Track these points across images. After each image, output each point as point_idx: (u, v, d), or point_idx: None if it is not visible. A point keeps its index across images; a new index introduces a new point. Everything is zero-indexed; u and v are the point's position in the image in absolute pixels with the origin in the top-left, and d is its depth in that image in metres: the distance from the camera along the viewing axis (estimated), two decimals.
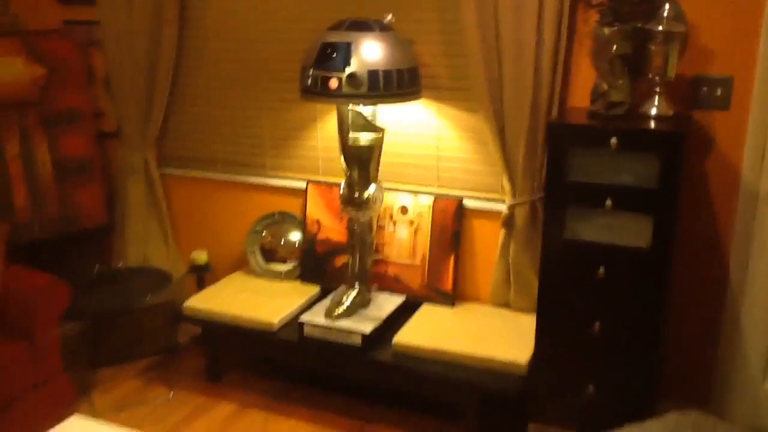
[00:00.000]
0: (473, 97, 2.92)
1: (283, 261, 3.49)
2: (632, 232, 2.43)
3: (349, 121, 2.83)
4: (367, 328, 2.90)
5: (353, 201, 2.93)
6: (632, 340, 2.50)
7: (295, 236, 3.46)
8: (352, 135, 2.84)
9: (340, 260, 3.30)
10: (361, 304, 3.05)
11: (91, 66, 3.59)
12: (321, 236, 3.33)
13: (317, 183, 3.33)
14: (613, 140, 2.37)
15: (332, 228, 3.30)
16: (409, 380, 2.86)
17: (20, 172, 3.29)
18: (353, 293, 3.03)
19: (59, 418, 2.45)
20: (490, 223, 3.07)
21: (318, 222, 3.33)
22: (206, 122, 3.55)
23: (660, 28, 2.44)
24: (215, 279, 3.56)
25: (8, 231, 2.72)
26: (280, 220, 3.47)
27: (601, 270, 2.48)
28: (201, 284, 3.53)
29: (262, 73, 3.36)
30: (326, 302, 3.11)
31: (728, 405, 2.83)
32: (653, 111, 2.53)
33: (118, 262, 3.61)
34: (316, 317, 2.99)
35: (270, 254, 3.50)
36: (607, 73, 2.53)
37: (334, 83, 2.65)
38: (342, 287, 3.21)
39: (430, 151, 3.12)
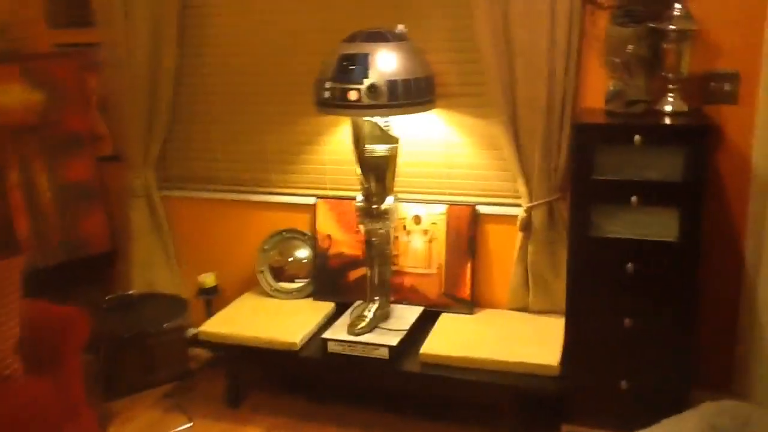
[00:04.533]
0: (485, 102, 2.97)
1: (292, 279, 3.44)
2: (659, 226, 2.49)
3: (365, 133, 2.84)
4: (393, 340, 2.88)
5: (371, 213, 2.92)
6: (665, 332, 2.55)
7: (303, 253, 3.42)
8: (368, 146, 2.84)
9: (355, 274, 3.28)
10: (382, 317, 3.03)
11: (86, 89, 3.51)
12: (333, 251, 3.30)
13: (326, 197, 3.31)
14: (637, 137, 2.42)
15: (344, 242, 3.28)
16: (439, 389, 2.85)
17: (21, 201, 3.20)
18: (374, 307, 3.01)
19: None
20: (504, 227, 3.09)
21: (329, 237, 3.30)
22: (207, 140, 3.50)
23: (672, 27, 2.51)
24: (223, 301, 3.50)
25: (22, 265, 2.62)
26: (288, 237, 3.43)
27: (630, 266, 2.52)
28: (209, 307, 3.46)
29: (264, 88, 3.33)
30: (345, 318, 3.08)
31: (747, 388, 2.88)
32: (668, 107, 2.60)
33: (122, 288, 3.51)
34: (338, 333, 2.96)
35: (278, 272, 3.44)
36: (623, 73, 2.59)
37: (353, 95, 2.65)
38: (359, 302, 3.20)
39: (440, 158, 3.13)
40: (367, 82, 2.63)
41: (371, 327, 2.97)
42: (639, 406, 2.62)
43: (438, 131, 3.10)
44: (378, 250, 2.99)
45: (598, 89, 2.81)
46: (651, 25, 2.56)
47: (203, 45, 3.37)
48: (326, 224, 3.30)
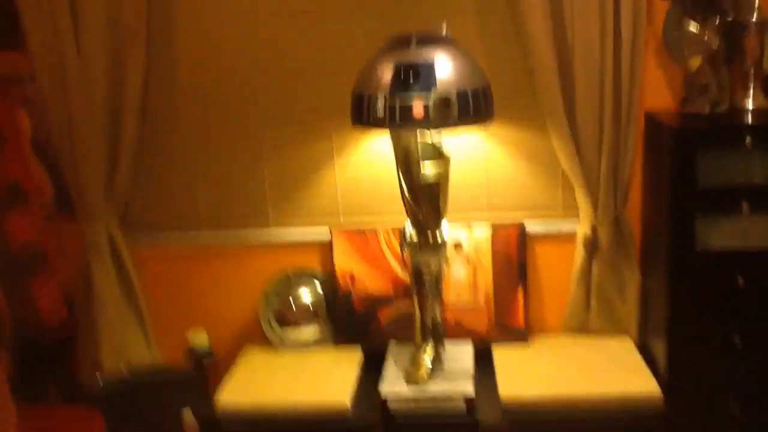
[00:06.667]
0: (528, 112, 2.67)
1: (296, 326, 2.93)
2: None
3: (419, 153, 2.42)
4: (468, 387, 2.49)
5: (428, 245, 2.51)
6: None
7: (306, 294, 2.93)
8: (423, 168, 2.43)
9: (386, 314, 2.84)
10: (438, 361, 2.63)
11: (21, 130, 2.77)
12: (358, 291, 2.84)
13: (344, 230, 2.84)
14: (748, 139, 2.22)
15: (370, 279, 2.83)
16: None
17: None
18: (430, 350, 2.61)
19: None
20: (556, 246, 2.81)
21: (352, 275, 2.84)
22: (184, 176, 2.89)
23: (754, 18, 2.35)
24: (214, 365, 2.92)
25: (8, 366, 1.94)
26: (296, 280, 2.92)
27: (740, 279, 2.32)
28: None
29: (255, 109, 2.80)
30: (392, 367, 2.65)
31: None
32: (750, 105, 2.43)
33: (89, 369, 2.82)
34: (395, 386, 2.52)
35: (279, 320, 2.92)
36: (706, 71, 2.39)
37: (419, 110, 2.22)
38: (393, 342, 2.79)
39: (481, 175, 2.78)
40: (435, 94, 2.21)
41: (432, 374, 2.57)
42: (752, 428, 2.44)
43: (473, 146, 2.76)
44: (431, 286, 2.58)
45: (654, 90, 2.61)
46: (728, 18, 2.38)
47: (174, 59, 2.77)
48: (346, 260, 2.83)
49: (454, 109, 2.23)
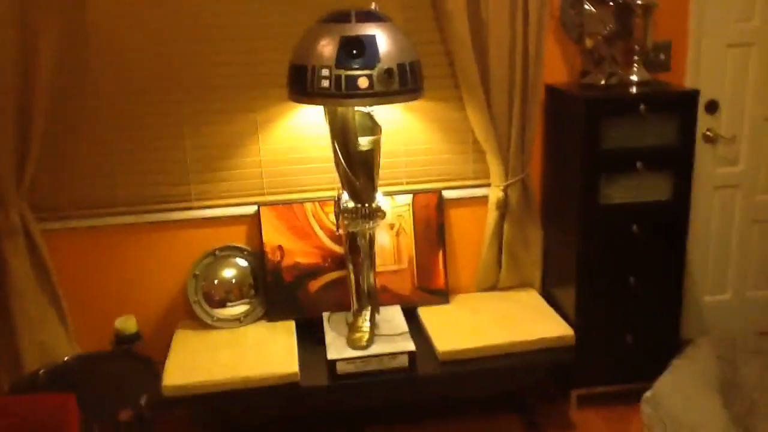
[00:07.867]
0: (443, 84, 2.88)
1: (223, 304, 2.95)
2: (657, 188, 2.69)
3: (356, 125, 2.54)
4: (409, 345, 2.66)
5: (364, 213, 2.64)
6: (662, 283, 2.78)
7: (230, 272, 2.95)
8: (360, 139, 2.55)
9: (315, 285, 2.93)
10: (374, 324, 2.78)
11: None
12: (287, 263, 2.90)
13: (271, 204, 2.88)
14: (642, 106, 2.58)
15: (299, 250, 2.91)
16: (461, 386, 2.73)
17: None
18: (368, 315, 2.75)
19: None
20: (469, 209, 3.04)
21: (280, 248, 2.90)
22: (99, 155, 2.78)
23: (640, 2, 2.71)
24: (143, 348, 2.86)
25: None
26: (223, 257, 2.92)
27: (635, 227, 2.69)
28: None
29: (174, 83, 2.76)
30: (332, 335, 2.76)
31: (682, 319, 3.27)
32: (635, 77, 2.80)
33: (7, 355, 2.66)
34: (341, 352, 2.64)
35: (206, 299, 2.92)
36: (602, 48, 2.71)
37: (364, 82, 2.34)
38: (327, 313, 2.91)
39: (398, 148, 2.95)
40: (380, 67, 2.34)
41: (372, 337, 2.71)
42: (641, 357, 2.84)
43: (391, 119, 2.91)
44: (366, 253, 2.72)
45: (553, 64, 2.91)
46: (620, 1, 2.72)
47: (84, 32, 2.65)
48: (275, 234, 2.88)
49: (396, 81, 2.38)
